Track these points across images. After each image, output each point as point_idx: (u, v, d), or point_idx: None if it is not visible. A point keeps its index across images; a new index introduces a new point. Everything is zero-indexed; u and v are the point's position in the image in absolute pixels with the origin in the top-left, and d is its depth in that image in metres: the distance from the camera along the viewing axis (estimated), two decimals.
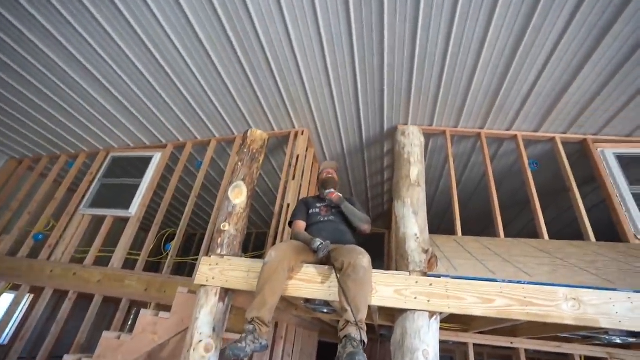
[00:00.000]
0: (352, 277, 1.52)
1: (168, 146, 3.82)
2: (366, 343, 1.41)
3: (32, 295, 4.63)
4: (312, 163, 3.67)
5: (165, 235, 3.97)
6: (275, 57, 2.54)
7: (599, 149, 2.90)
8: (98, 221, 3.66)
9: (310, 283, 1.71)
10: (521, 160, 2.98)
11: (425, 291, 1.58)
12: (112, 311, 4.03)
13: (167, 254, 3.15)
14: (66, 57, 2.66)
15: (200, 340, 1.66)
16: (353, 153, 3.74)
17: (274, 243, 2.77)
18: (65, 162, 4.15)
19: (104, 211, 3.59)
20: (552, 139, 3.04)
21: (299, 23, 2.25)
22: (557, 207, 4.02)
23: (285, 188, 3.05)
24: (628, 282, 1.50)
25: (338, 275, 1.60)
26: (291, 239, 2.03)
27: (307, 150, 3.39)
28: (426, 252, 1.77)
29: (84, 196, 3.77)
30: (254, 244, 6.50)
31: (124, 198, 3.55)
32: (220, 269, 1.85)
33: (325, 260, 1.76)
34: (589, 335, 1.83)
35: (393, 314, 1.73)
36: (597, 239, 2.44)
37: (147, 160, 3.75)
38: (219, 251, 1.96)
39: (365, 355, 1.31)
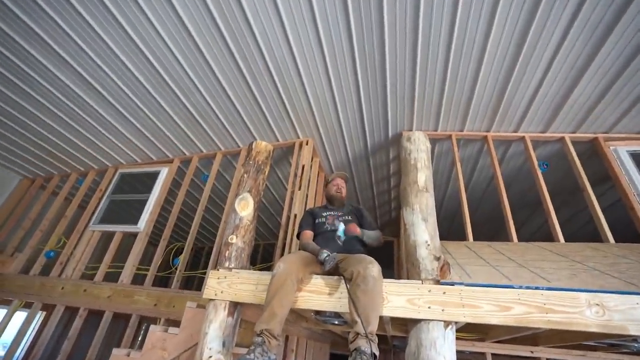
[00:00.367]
0: (361, 287, 1.48)
1: (174, 161, 3.86)
2: (377, 356, 1.36)
3: (44, 313, 4.65)
4: (318, 172, 3.66)
5: (174, 250, 3.98)
6: (277, 69, 2.58)
7: (611, 147, 2.83)
8: (107, 237, 3.70)
9: (320, 294, 1.68)
10: (530, 161, 2.92)
11: (438, 300, 1.53)
12: (122, 327, 4.01)
13: (176, 268, 3.14)
14: (73, 75, 2.74)
15: (210, 356, 1.62)
16: (358, 161, 3.73)
17: (281, 254, 2.75)
18: (75, 180, 4.23)
19: (113, 227, 3.62)
20: (562, 139, 2.98)
21: (300, 34, 2.29)
22: (570, 208, 3.91)
23: (291, 198, 3.04)
24: None
25: (347, 286, 1.56)
26: (299, 249, 2.01)
27: (312, 160, 3.39)
28: (438, 259, 1.72)
29: (93, 213, 3.82)
30: (261, 256, 6.46)
31: (132, 214, 3.59)
32: (229, 282, 1.83)
33: (334, 271, 1.73)
34: (616, 342, 1.73)
35: (406, 324, 1.68)
36: (615, 240, 2.35)
37: (154, 176, 3.80)
38: (227, 264, 1.94)
39: None
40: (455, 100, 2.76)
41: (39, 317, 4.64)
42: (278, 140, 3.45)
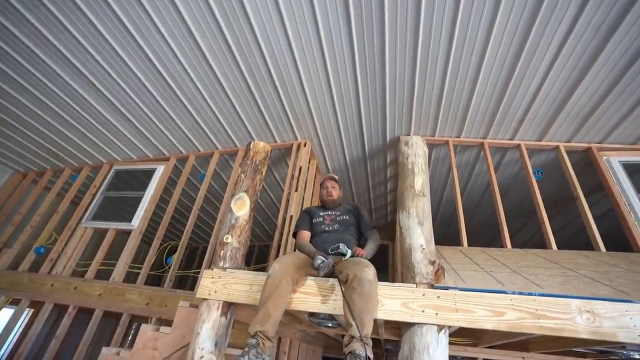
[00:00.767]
0: (357, 290, 1.48)
1: (171, 159, 3.84)
2: (372, 359, 1.36)
3: (31, 310, 4.57)
4: (315, 174, 3.67)
5: (168, 248, 3.94)
6: (277, 70, 2.58)
7: (604, 157, 2.88)
8: (100, 234, 3.65)
9: (315, 296, 1.67)
10: (526, 169, 2.96)
11: (433, 304, 1.54)
12: (113, 326, 3.95)
13: (169, 267, 3.11)
14: (71, 70, 2.71)
15: (202, 357, 1.61)
16: (356, 164, 3.74)
17: (276, 255, 2.73)
18: (69, 176, 4.17)
19: (106, 224, 3.57)
20: (556, 148, 3.02)
21: (301, 36, 2.29)
22: (564, 216, 3.96)
23: (288, 200, 3.04)
24: None
25: (343, 288, 1.56)
26: (295, 249, 2.00)
27: (309, 162, 3.39)
28: (433, 263, 1.73)
29: (86, 209, 3.77)
30: (256, 258, 6.42)
31: (126, 211, 3.54)
32: (223, 282, 1.82)
33: (330, 273, 1.73)
34: (605, 349, 1.75)
35: (399, 328, 1.68)
36: (607, 249, 2.39)
37: (150, 173, 3.76)
38: (221, 264, 1.93)
39: None
40: (453, 106, 2.79)
41: (26, 314, 4.55)
42: (276, 141, 3.45)
